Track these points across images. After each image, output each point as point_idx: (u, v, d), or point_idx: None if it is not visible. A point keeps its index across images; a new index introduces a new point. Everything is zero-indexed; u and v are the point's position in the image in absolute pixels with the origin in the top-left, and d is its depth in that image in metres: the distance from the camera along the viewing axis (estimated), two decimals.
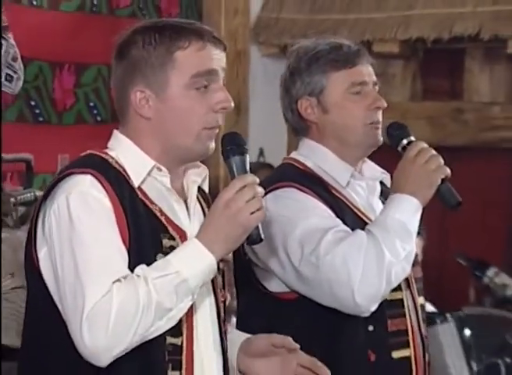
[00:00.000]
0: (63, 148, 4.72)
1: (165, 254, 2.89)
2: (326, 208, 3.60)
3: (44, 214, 2.92)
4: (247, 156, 3.00)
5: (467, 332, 5.23)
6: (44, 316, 2.94)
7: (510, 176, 6.18)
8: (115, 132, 3.08)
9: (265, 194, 3.07)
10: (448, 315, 5.16)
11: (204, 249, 2.85)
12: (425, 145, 3.59)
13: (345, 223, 3.60)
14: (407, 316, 3.66)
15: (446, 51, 6.23)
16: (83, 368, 2.85)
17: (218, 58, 3.01)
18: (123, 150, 3.02)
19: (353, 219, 3.64)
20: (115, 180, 2.91)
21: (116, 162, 2.96)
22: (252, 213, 2.84)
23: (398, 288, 3.59)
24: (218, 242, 2.86)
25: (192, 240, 2.90)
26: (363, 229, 3.56)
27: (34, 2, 5.28)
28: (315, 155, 3.69)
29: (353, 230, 3.57)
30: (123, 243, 2.86)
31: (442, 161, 3.55)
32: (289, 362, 3.21)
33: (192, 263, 2.85)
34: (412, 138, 3.64)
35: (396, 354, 3.61)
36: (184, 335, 2.95)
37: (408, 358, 3.64)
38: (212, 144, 3.02)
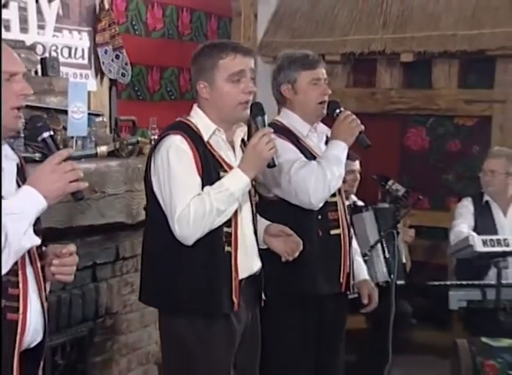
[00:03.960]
0: (152, 114, 4.67)
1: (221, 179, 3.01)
2: (295, 149, 3.63)
3: (154, 157, 3.04)
4: (266, 116, 3.08)
5: (378, 215, 5.26)
6: (156, 212, 3.04)
7: (400, 128, 6.17)
8: (195, 106, 3.15)
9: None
10: (369, 207, 5.22)
11: (242, 174, 2.96)
12: (349, 113, 3.66)
13: (305, 157, 3.65)
14: (339, 211, 3.71)
15: (366, 60, 6.16)
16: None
17: (245, 62, 3.06)
18: (198, 118, 3.10)
19: (309, 155, 3.67)
20: (193, 137, 3.03)
21: (195, 126, 3.07)
22: (269, 150, 2.95)
23: (333, 195, 3.67)
24: (250, 169, 2.98)
25: (235, 169, 2.99)
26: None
27: (137, 32, 5.34)
28: (289, 118, 3.71)
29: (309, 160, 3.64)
30: (198, 175, 2.98)
31: (359, 121, 3.64)
32: (288, 241, 3.30)
33: (236, 183, 2.96)
34: (342, 109, 3.69)
35: (332, 232, 3.68)
36: (233, 225, 3.05)
37: (339, 234, 3.70)
38: (247, 113, 3.08)
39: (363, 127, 3.65)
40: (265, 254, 3.34)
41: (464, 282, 4.92)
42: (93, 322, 3.99)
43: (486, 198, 5.22)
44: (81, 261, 2.71)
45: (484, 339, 4.40)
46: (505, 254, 4.59)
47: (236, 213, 3.06)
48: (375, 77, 6.29)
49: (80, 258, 2.63)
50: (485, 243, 4.58)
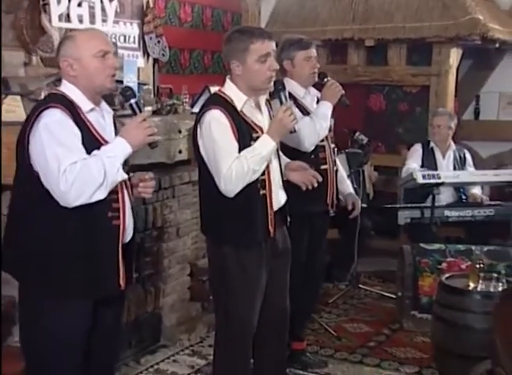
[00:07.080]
0: (184, 83, 4.64)
1: (254, 140, 2.85)
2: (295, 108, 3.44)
3: (200, 126, 2.85)
4: (287, 91, 2.98)
5: (349, 157, 5.26)
6: (203, 170, 2.88)
7: (364, 94, 6.14)
8: (228, 79, 2.93)
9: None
10: (342, 151, 5.19)
11: (270, 140, 2.83)
12: (334, 81, 3.61)
13: (302, 112, 3.53)
14: (326, 151, 3.62)
15: (340, 44, 6.01)
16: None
17: (271, 46, 2.86)
18: (232, 91, 2.89)
19: (305, 111, 3.57)
20: (230, 109, 2.83)
21: (229, 97, 2.87)
22: (292, 121, 2.83)
23: (322, 140, 3.59)
24: (276, 136, 2.84)
25: (264, 135, 2.85)
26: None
27: (173, 24, 5.22)
28: (289, 84, 3.47)
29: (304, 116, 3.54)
30: (235, 140, 2.81)
31: (341, 87, 3.59)
32: (305, 174, 3.14)
33: (266, 147, 2.81)
34: (329, 78, 3.63)
35: (322, 167, 3.57)
36: (266, 174, 2.87)
37: (326, 169, 3.60)
38: (271, 85, 2.91)
39: (343, 92, 3.61)
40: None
41: (408, 205, 4.98)
42: (143, 233, 3.92)
43: (432, 144, 5.19)
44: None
45: (421, 244, 4.48)
46: (437, 184, 4.69)
47: (268, 165, 2.91)
48: (346, 57, 6.19)
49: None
50: (424, 177, 4.63)
